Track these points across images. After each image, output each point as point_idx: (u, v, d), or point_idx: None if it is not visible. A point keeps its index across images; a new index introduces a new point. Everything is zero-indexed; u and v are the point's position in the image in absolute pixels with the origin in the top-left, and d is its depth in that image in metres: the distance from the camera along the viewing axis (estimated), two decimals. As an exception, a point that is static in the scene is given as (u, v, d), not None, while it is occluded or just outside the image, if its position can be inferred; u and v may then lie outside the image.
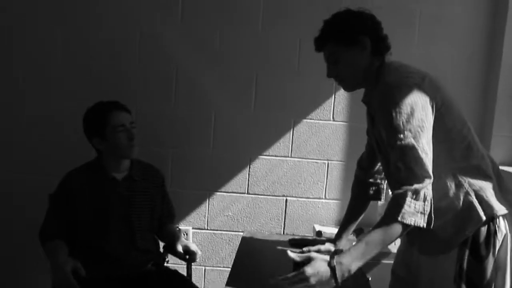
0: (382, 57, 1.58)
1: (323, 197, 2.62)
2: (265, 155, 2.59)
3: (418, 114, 1.40)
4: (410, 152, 1.38)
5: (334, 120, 2.59)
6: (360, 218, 1.94)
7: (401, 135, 1.40)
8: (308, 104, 2.57)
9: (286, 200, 2.62)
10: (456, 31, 2.55)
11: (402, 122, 1.41)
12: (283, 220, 2.63)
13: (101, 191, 2.07)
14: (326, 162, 2.60)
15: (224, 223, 2.62)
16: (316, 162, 2.60)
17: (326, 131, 2.59)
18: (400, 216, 1.36)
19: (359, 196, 1.93)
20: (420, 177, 1.38)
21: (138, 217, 2.12)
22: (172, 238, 2.20)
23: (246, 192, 2.61)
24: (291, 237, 2.09)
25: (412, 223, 1.36)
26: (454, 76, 2.55)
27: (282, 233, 2.63)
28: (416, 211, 1.36)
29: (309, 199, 2.62)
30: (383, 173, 1.87)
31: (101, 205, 2.06)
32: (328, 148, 2.60)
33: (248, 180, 2.60)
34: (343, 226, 1.97)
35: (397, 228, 1.38)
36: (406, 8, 2.53)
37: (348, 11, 1.60)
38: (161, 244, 2.25)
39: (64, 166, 2.12)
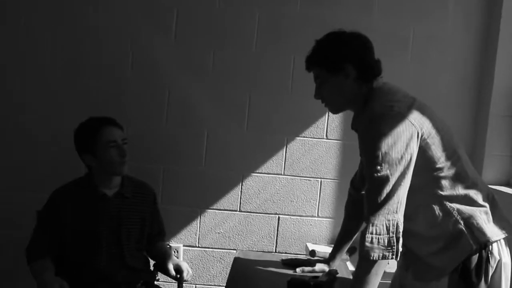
0: (370, 83, 1.57)
1: (316, 215, 2.61)
2: (258, 173, 2.58)
3: (399, 146, 1.40)
4: (383, 185, 1.39)
5: (327, 138, 2.58)
6: (354, 237, 1.93)
7: (378, 167, 1.41)
8: (301, 122, 2.57)
9: (279, 217, 2.61)
10: (448, 52, 2.57)
11: (381, 153, 1.41)
12: (276, 238, 2.61)
13: (91, 208, 2.05)
14: (319, 180, 2.60)
15: (215, 240, 2.60)
16: (309, 180, 2.60)
17: (319, 149, 2.59)
18: (365, 253, 1.38)
19: (353, 215, 1.92)
20: (387, 210, 1.38)
21: (127, 235, 2.10)
22: (162, 256, 2.18)
23: (238, 209, 2.60)
24: (284, 256, 2.07)
25: (377, 258, 1.38)
26: (447, 96, 2.56)
27: (274, 251, 2.61)
28: (380, 246, 1.37)
29: (302, 217, 2.61)
30: None
31: (91, 222, 2.04)
32: (321, 166, 2.59)
33: (240, 197, 2.59)
34: (336, 246, 1.96)
35: (368, 266, 1.40)
36: (399, 30, 2.54)
37: (337, 34, 1.59)
38: (152, 262, 2.22)
39: (52, 183, 2.10)
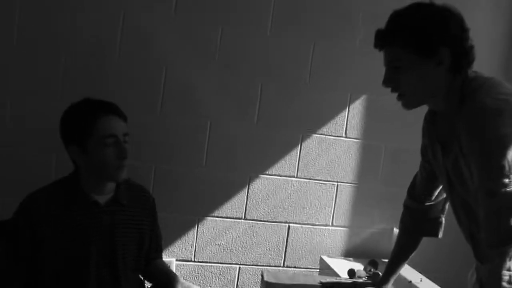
0: (464, 73, 1.27)
1: (330, 224, 2.29)
2: (267, 174, 2.21)
3: None
4: None
5: (346, 137, 2.27)
6: (411, 256, 1.63)
7: (506, 179, 1.11)
8: (318, 118, 2.24)
9: (289, 227, 2.26)
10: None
11: (508, 161, 1.11)
12: (284, 250, 2.26)
13: (78, 220, 1.56)
14: (336, 184, 2.28)
15: (214, 253, 2.20)
16: (324, 184, 2.27)
17: (337, 149, 2.27)
18: None
19: (412, 231, 1.62)
20: None
21: (123, 254, 1.64)
22: (165, 278, 1.74)
23: (243, 217, 2.21)
24: (321, 278, 1.72)
25: None
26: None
27: (282, 265, 2.26)
28: None
29: (315, 226, 2.28)
30: (445, 207, 1.58)
31: (77, 239, 1.55)
32: (338, 168, 2.27)
33: (246, 203, 2.21)
34: (390, 267, 1.65)
35: None
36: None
37: (431, 8, 1.26)
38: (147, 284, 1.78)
39: (24, 185, 1.59)
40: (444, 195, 1.57)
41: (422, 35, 1.23)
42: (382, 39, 1.29)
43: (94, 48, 2.01)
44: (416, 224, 1.60)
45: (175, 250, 2.15)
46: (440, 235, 1.61)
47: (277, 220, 2.24)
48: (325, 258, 2.22)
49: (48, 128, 1.94)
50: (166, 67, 2.08)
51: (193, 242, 2.17)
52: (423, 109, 2.26)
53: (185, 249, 2.17)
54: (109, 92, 1.94)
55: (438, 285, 1.94)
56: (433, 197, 1.56)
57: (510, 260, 1.10)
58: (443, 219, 1.59)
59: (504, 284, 1.09)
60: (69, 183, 1.61)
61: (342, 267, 2.13)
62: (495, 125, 1.14)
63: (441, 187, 1.55)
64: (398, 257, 1.64)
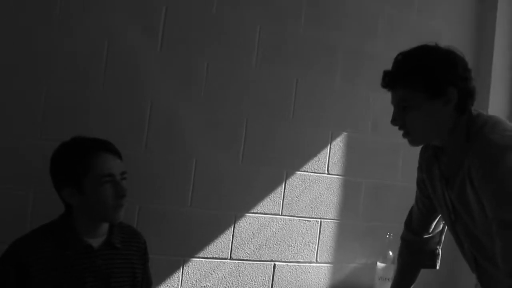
0: (468, 111, 1.36)
1: (315, 260, 2.28)
2: (253, 213, 2.18)
3: None
4: None
5: (329, 173, 2.30)
6: None
7: None
8: (302, 154, 2.26)
9: (274, 265, 2.22)
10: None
11: None
12: (270, 289, 2.22)
13: (72, 265, 1.47)
14: (319, 220, 2.29)
15: (200, 296, 2.12)
16: (308, 221, 2.27)
17: (320, 185, 2.29)
18: None
19: (411, 264, 1.66)
20: None
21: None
22: None
23: (229, 257, 2.15)
24: None
25: None
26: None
27: (268, 305, 2.21)
28: None
29: (300, 264, 2.26)
30: (441, 239, 1.64)
31: (72, 284, 1.46)
32: (321, 204, 2.29)
33: (232, 242, 2.15)
34: None
35: None
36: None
37: (439, 49, 1.35)
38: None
39: (9, 229, 1.47)
40: (440, 228, 1.63)
41: (433, 76, 1.30)
42: (392, 80, 1.35)
43: (76, 81, 1.91)
44: (414, 257, 1.65)
45: (159, 295, 2.05)
46: (438, 266, 1.66)
47: (262, 259, 2.20)
48: (312, 296, 2.20)
49: (25, 164, 1.84)
50: (152, 101, 2.03)
51: (178, 284, 2.08)
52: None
53: (170, 292, 2.07)
54: (92, 126, 1.88)
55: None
56: (431, 230, 1.62)
57: None
58: (440, 250, 1.65)
59: None
60: (60, 227, 1.52)
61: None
62: (506, 159, 1.21)
63: (437, 219, 1.61)
64: (400, 289, 1.66)
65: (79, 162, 1.48)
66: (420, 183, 1.58)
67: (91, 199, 1.48)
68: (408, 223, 1.68)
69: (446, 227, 1.61)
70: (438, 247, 1.65)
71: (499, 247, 1.20)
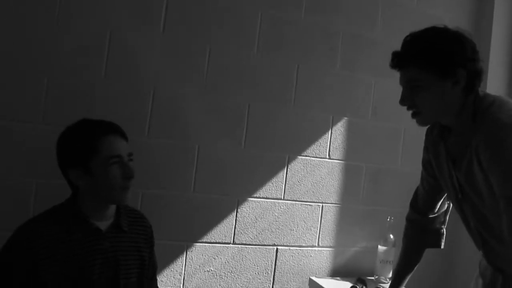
0: (475, 92, 1.38)
1: (316, 244, 2.30)
2: (255, 197, 2.20)
3: None
4: None
5: (330, 158, 2.32)
6: (415, 269, 1.69)
7: None
8: (303, 139, 2.27)
9: (277, 249, 2.24)
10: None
11: None
12: (273, 273, 2.24)
13: (81, 247, 1.47)
14: (320, 205, 2.31)
15: (204, 281, 2.13)
16: (310, 205, 2.29)
17: (321, 170, 2.30)
18: None
19: (416, 244, 1.68)
20: None
21: (125, 280, 1.57)
22: None
23: (232, 241, 2.17)
24: None
25: None
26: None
27: (271, 288, 2.23)
28: None
29: (302, 248, 2.28)
30: (445, 218, 1.67)
31: (81, 267, 1.46)
32: (322, 189, 2.31)
33: (235, 227, 2.17)
34: (396, 280, 1.69)
35: None
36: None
37: (446, 31, 1.37)
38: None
39: (13, 215, 1.48)
40: (445, 208, 1.65)
41: (443, 57, 1.31)
42: (402, 60, 1.36)
43: (78, 69, 1.91)
44: (420, 236, 1.67)
45: (163, 279, 2.06)
46: (442, 245, 1.68)
47: (265, 243, 2.22)
48: (314, 279, 2.22)
49: (31, 154, 1.84)
50: (154, 89, 2.04)
51: (181, 269, 2.09)
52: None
53: (174, 277, 2.08)
54: (94, 114, 1.86)
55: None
56: (436, 209, 1.64)
57: None
58: (444, 230, 1.68)
59: None
60: (67, 210, 1.52)
61: (333, 287, 2.15)
62: None
63: (442, 199, 1.63)
64: (404, 270, 1.69)
65: (87, 143, 1.48)
66: (426, 163, 1.60)
67: (98, 180, 1.49)
68: (414, 203, 1.70)
69: (451, 207, 1.64)
70: (443, 226, 1.67)
71: (506, 223, 1.23)
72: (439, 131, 1.48)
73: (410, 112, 1.41)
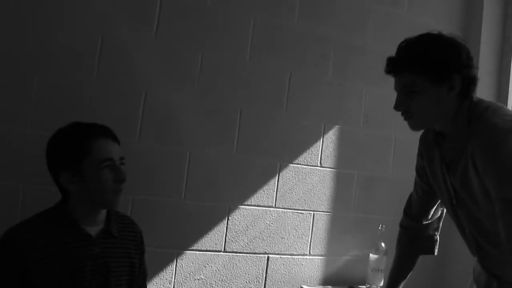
0: (470, 98, 1.39)
1: (308, 253, 2.28)
2: (247, 205, 2.18)
3: None
4: None
5: (321, 166, 2.31)
6: (409, 276, 1.68)
7: None
8: (295, 146, 2.26)
9: (268, 258, 2.22)
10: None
11: None
12: (264, 282, 2.21)
13: (70, 253, 1.44)
14: (312, 213, 2.29)
15: (193, 289, 2.10)
16: (301, 213, 2.28)
17: (313, 178, 2.30)
18: None
19: (410, 250, 1.68)
20: None
21: (116, 287, 1.53)
22: None
23: (223, 249, 2.14)
24: None
25: None
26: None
27: (261, 298, 2.20)
28: None
29: (293, 256, 2.26)
30: (439, 225, 1.67)
31: (71, 273, 1.43)
32: (314, 197, 2.30)
33: (226, 234, 2.14)
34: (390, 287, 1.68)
35: None
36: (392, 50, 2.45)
37: (443, 37, 1.38)
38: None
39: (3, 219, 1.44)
40: (439, 214, 1.65)
41: (438, 62, 1.32)
42: (397, 66, 1.36)
43: (69, 71, 1.89)
44: (413, 243, 1.67)
45: (153, 287, 2.02)
46: (436, 252, 1.68)
47: (256, 252, 2.20)
48: (306, 287, 2.20)
49: (19, 157, 1.80)
50: (146, 92, 2.02)
51: (171, 277, 2.06)
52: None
53: (163, 285, 2.04)
54: (84, 117, 1.83)
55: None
56: (430, 216, 1.64)
57: None
58: (438, 237, 1.67)
59: None
60: (57, 214, 1.49)
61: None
62: (508, 142, 1.24)
63: (436, 205, 1.63)
64: (397, 276, 1.68)
65: (79, 145, 1.46)
66: (420, 169, 1.60)
67: (90, 183, 1.46)
68: (407, 209, 1.69)
69: (445, 213, 1.64)
70: (437, 233, 1.67)
71: (502, 226, 1.23)
72: (433, 136, 1.48)
73: (403, 116, 1.41)
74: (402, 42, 1.39)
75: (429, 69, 1.33)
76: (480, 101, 1.38)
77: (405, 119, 1.41)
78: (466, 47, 1.38)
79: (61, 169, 1.47)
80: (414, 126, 1.42)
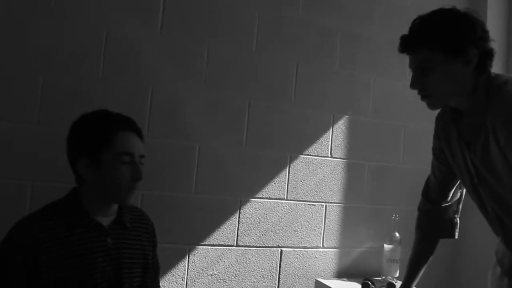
0: (487, 73, 1.36)
1: (321, 245, 2.25)
2: (258, 198, 2.14)
3: None
4: None
5: (332, 157, 2.28)
6: (429, 260, 1.64)
7: None
8: (304, 138, 2.23)
9: (281, 251, 2.18)
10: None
11: None
12: (278, 276, 2.17)
13: (82, 243, 1.40)
14: (324, 204, 2.26)
15: (207, 285, 2.05)
16: (313, 205, 2.24)
17: (324, 169, 2.26)
18: None
19: (429, 234, 1.64)
20: None
21: (129, 278, 1.50)
22: None
23: (235, 244, 2.11)
24: None
25: None
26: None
27: (276, 292, 2.16)
28: None
29: (306, 249, 2.22)
30: (459, 207, 1.63)
31: (82, 263, 1.39)
32: (325, 188, 2.26)
33: (238, 228, 2.11)
34: (410, 273, 1.65)
35: None
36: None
37: (455, 11, 1.35)
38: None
39: (7, 222, 1.41)
40: (458, 196, 1.62)
41: (453, 36, 1.29)
42: (411, 43, 1.34)
43: (74, 69, 1.87)
44: (433, 226, 1.63)
45: (164, 284, 1.98)
46: (457, 235, 1.64)
47: (269, 245, 2.16)
48: (320, 280, 2.16)
49: (24, 155, 1.77)
50: (152, 87, 1.99)
51: (184, 274, 2.02)
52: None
53: (176, 282, 2.01)
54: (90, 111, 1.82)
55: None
56: (449, 198, 1.60)
57: None
58: (458, 219, 1.64)
59: None
60: (68, 204, 1.45)
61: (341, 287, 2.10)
62: None
63: (455, 187, 1.59)
64: (418, 262, 1.64)
65: (102, 134, 1.43)
66: (437, 151, 1.57)
67: (106, 175, 1.42)
68: (426, 192, 1.65)
69: (464, 195, 1.60)
70: (457, 216, 1.63)
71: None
72: (450, 115, 1.45)
73: (420, 95, 1.38)
74: (415, 19, 1.37)
75: (444, 43, 1.30)
76: (498, 75, 1.35)
77: (422, 98, 1.38)
78: (481, 20, 1.35)
79: (80, 154, 1.43)
80: (432, 105, 1.39)
